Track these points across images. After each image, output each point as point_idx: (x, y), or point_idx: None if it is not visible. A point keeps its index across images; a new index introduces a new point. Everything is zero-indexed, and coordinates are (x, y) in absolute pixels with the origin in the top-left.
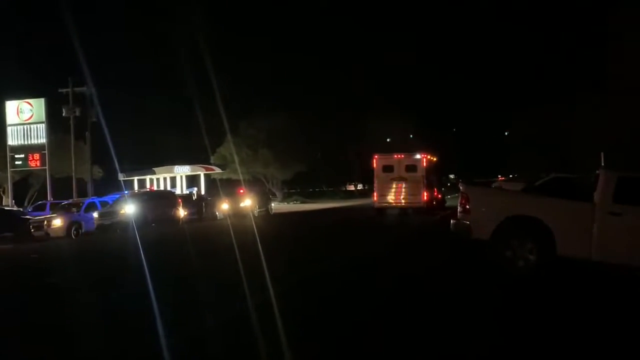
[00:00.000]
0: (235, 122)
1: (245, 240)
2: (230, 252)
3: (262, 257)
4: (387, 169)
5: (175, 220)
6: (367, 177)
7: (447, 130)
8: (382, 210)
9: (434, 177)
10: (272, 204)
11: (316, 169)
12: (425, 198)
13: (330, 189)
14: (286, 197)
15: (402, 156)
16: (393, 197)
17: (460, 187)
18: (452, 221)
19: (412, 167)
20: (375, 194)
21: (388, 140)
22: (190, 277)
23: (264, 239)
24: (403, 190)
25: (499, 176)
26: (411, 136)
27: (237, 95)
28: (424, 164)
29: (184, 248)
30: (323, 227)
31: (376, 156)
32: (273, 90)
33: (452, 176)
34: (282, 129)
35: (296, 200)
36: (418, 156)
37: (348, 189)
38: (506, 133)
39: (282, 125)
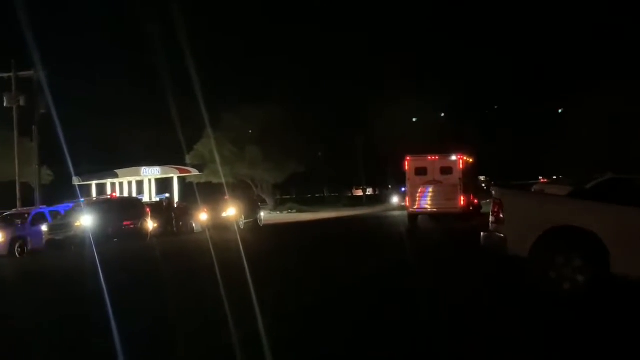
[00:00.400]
0: (217, 113)
1: (228, 262)
2: (209, 279)
3: (249, 284)
4: (420, 171)
5: (142, 234)
6: (380, 178)
7: (478, 116)
8: (415, 217)
9: (471, 180)
10: (262, 214)
11: (316, 170)
12: (462, 203)
13: (333, 194)
14: (279, 205)
15: (437, 157)
16: (427, 202)
17: (493, 192)
18: (482, 234)
19: (447, 170)
20: (407, 198)
21: (414, 119)
22: (159, 314)
23: (251, 259)
24: (438, 194)
25: (541, 177)
26: (442, 115)
27: (220, 82)
28: (461, 166)
29: (152, 271)
30: (325, 241)
31: (408, 157)
32: (263, 74)
33: (482, 177)
34: (275, 120)
35: (291, 209)
36: (454, 157)
37: (355, 194)
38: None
39: (274, 117)
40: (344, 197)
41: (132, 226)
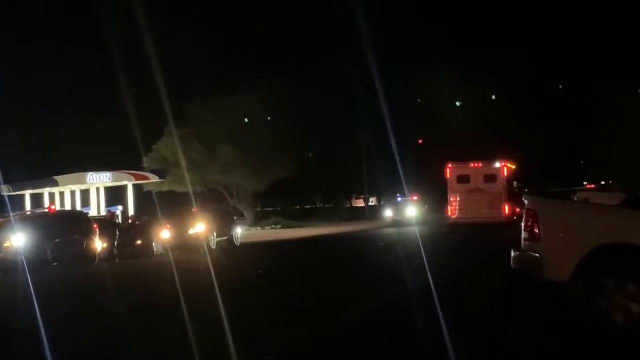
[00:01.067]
0: (183, 104)
1: (195, 293)
2: (170, 315)
3: (220, 323)
4: (463, 179)
5: (88, 256)
6: (388, 185)
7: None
8: (457, 226)
9: (515, 187)
10: (239, 230)
11: (307, 175)
12: (506, 212)
13: (327, 205)
14: (260, 219)
15: (480, 165)
16: (470, 211)
17: (525, 201)
18: (512, 253)
19: (491, 177)
20: (449, 207)
21: (458, 103)
22: None
23: (224, 289)
24: (481, 203)
25: (585, 183)
26: (493, 97)
27: (186, 66)
28: (504, 174)
29: (100, 304)
30: (316, 266)
31: (450, 165)
32: (240, 55)
33: (514, 183)
34: (255, 113)
35: (276, 224)
36: (497, 165)
37: (354, 204)
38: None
39: (254, 108)
40: (341, 208)
41: (75, 247)
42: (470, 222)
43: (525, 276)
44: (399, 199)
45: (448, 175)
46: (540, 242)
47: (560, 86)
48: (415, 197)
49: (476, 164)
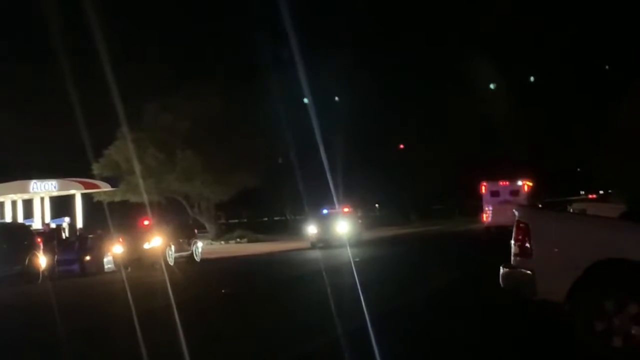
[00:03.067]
0: (138, 105)
1: (149, 315)
2: (120, 341)
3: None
4: (494, 193)
5: (30, 274)
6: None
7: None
8: (489, 229)
9: (533, 199)
10: (200, 244)
11: (276, 183)
12: None
13: (298, 217)
14: (224, 232)
15: (507, 183)
16: (499, 218)
17: (516, 213)
18: (502, 269)
19: (515, 192)
20: (484, 215)
21: (492, 86)
22: None
23: (183, 309)
24: (508, 211)
25: (582, 192)
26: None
27: (145, 64)
28: (525, 189)
29: (42, 329)
30: (286, 287)
31: (485, 183)
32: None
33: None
34: (218, 115)
35: (241, 238)
36: (520, 183)
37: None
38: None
39: (217, 109)
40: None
41: (16, 264)
42: (499, 226)
43: (516, 295)
44: (324, 211)
45: (483, 191)
46: (532, 258)
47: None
48: (347, 209)
49: (504, 183)
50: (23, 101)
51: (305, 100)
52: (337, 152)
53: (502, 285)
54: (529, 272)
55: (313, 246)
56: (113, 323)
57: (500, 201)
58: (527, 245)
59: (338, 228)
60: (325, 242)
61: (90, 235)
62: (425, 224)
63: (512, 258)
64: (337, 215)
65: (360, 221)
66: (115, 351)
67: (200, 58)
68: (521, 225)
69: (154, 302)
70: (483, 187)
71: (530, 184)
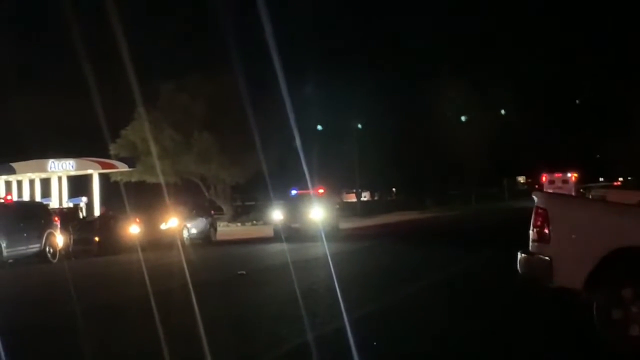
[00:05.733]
0: (155, 85)
1: (166, 296)
2: (138, 327)
3: (194, 329)
4: (551, 182)
5: (48, 253)
6: (383, 179)
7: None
8: None
9: (577, 186)
10: (216, 226)
11: (292, 165)
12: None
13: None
14: (240, 214)
15: (560, 175)
16: None
17: (535, 198)
18: (519, 255)
19: (565, 181)
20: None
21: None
22: None
23: (199, 291)
24: (562, 191)
25: (602, 179)
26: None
27: (160, 42)
28: (573, 180)
29: (58, 308)
30: (303, 267)
31: (545, 175)
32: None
33: (521, 179)
34: (235, 96)
35: (257, 220)
36: (569, 174)
37: (346, 199)
38: None
39: (235, 90)
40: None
41: (34, 243)
42: None
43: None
44: (293, 192)
45: (544, 180)
46: (550, 244)
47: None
48: (321, 191)
49: (558, 175)
50: (41, 82)
51: None
52: (353, 135)
53: (519, 271)
54: (546, 258)
55: (276, 236)
56: (128, 302)
57: (555, 187)
58: (546, 231)
59: (310, 214)
60: (291, 234)
61: (108, 215)
62: (440, 209)
63: (530, 244)
64: (309, 198)
65: (337, 206)
66: (127, 329)
67: (218, 39)
68: (540, 210)
69: (168, 283)
70: (544, 177)
71: (576, 175)
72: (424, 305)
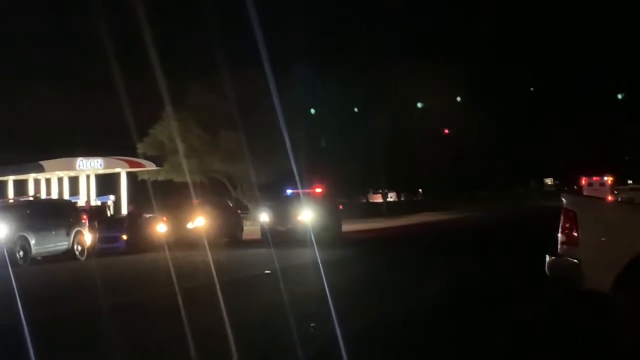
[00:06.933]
0: (184, 84)
1: (195, 298)
2: (165, 324)
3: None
4: (590, 184)
5: (76, 250)
6: (407, 179)
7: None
8: None
9: (613, 188)
10: (243, 225)
11: (318, 166)
12: (610, 198)
13: (341, 200)
14: None
15: (598, 178)
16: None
17: (564, 200)
18: (548, 258)
19: (602, 184)
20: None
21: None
22: None
23: (226, 291)
24: (599, 193)
25: (630, 182)
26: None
27: (188, 41)
28: (609, 183)
29: (86, 305)
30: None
31: (584, 178)
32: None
33: (549, 181)
34: (263, 95)
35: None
36: (605, 178)
37: (372, 200)
38: None
39: (262, 90)
40: (356, 204)
41: (62, 240)
42: None
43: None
44: (288, 192)
45: (583, 183)
46: (579, 246)
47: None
48: (319, 190)
49: (596, 178)
50: (70, 81)
51: None
52: (380, 137)
53: (547, 273)
54: (575, 260)
55: (264, 239)
56: (154, 300)
57: (593, 189)
58: (574, 233)
59: (301, 216)
60: (280, 235)
61: (137, 213)
62: (465, 210)
63: (559, 246)
64: (303, 199)
65: (341, 207)
66: (153, 326)
67: (247, 38)
68: (569, 212)
69: (194, 281)
70: (583, 180)
71: (612, 178)
72: None
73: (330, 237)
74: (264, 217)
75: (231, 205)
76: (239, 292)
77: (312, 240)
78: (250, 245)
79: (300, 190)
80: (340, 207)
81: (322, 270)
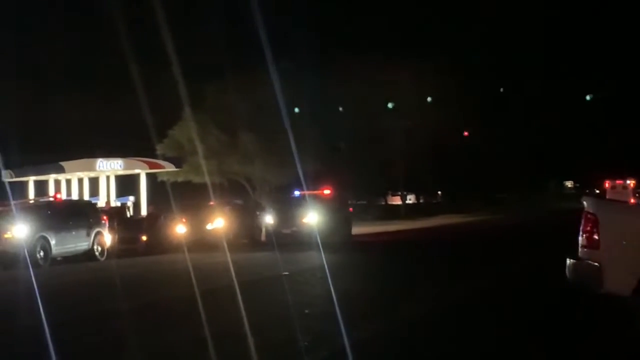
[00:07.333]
0: (202, 86)
1: (213, 299)
2: (186, 325)
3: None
4: (613, 187)
5: (96, 251)
6: (426, 180)
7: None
8: None
9: (635, 191)
10: (261, 226)
11: (337, 168)
12: (632, 201)
13: (360, 202)
14: None
15: (621, 182)
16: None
17: (584, 203)
18: (568, 261)
19: (625, 187)
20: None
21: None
22: None
23: (246, 293)
24: (622, 197)
25: None
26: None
27: (207, 42)
28: (631, 186)
29: (106, 305)
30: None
31: (608, 181)
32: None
33: (569, 184)
34: (282, 97)
35: None
36: (628, 181)
37: (391, 202)
38: None
39: (281, 92)
40: (374, 206)
41: (82, 241)
42: None
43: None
44: (295, 193)
45: (607, 186)
46: (600, 250)
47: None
48: (327, 192)
49: (619, 181)
50: (90, 83)
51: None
52: (401, 138)
53: (567, 277)
54: (596, 264)
55: (268, 241)
56: (174, 301)
57: (616, 192)
58: (595, 237)
59: (305, 218)
60: (284, 238)
61: (156, 214)
62: (484, 213)
63: (580, 249)
64: (309, 200)
65: (351, 209)
66: (172, 328)
67: (265, 39)
68: (589, 216)
69: (214, 282)
70: (607, 184)
71: (634, 181)
72: None
73: (338, 240)
74: (268, 219)
75: (251, 206)
76: (257, 293)
77: (317, 243)
78: (267, 247)
79: (307, 192)
80: (351, 209)
81: (328, 274)
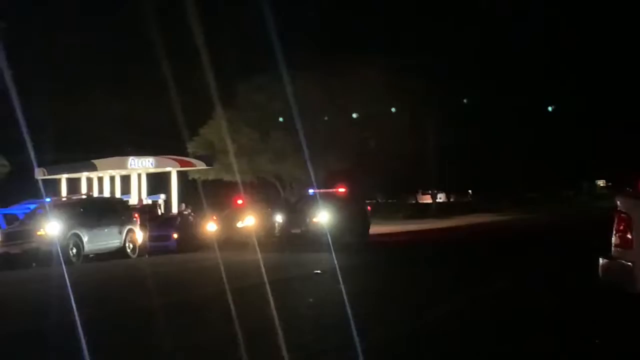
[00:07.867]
0: (232, 85)
1: (243, 298)
2: (216, 321)
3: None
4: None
5: (128, 248)
6: (455, 179)
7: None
8: None
9: None
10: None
11: (367, 166)
12: None
13: (390, 200)
14: None
15: None
16: None
17: (618, 202)
18: (601, 260)
19: None
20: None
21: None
22: None
23: (277, 292)
24: None
25: None
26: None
27: (239, 40)
28: None
29: (140, 303)
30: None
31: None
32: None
33: (600, 183)
34: (312, 95)
35: None
36: None
37: (421, 201)
38: None
39: (311, 90)
40: (405, 204)
41: (114, 238)
42: None
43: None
44: (310, 191)
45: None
46: (633, 249)
47: None
48: (342, 190)
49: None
50: (122, 82)
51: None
52: (430, 138)
53: (600, 277)
54: (629, 264)
55: (279, 241)
56: (205, 298)
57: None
58: (628, 236)
59: (316, 217)
60: (295, 237)
61: (188, 212)
62: (515, 212)
63: (612, 249)
64: (323, 199)
65: (370, 208)
66: (204, 325)
67: (296, 38)
68: (622, 215)
69: (244, 281)
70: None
71: None
72: None
73: (354, 239)
74: (279, 218)
75: (280, 204)
76: (288, 291)
77: (328, 243)
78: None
79: (322, 190)
80: (369, 208)
81: (340, 276)
